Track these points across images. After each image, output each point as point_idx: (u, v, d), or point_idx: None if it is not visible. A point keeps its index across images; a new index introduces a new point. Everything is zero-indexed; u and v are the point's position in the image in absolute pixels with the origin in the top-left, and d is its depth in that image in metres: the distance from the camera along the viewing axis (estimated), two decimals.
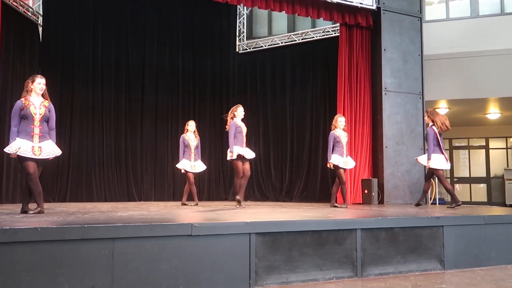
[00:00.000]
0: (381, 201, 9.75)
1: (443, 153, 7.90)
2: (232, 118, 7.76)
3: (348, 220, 4.92)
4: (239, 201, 7.52)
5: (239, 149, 7.54)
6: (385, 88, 10.11)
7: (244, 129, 7.76)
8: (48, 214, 5.34)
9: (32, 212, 5.42)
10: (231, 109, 7.88)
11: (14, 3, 9.42)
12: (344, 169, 8.13)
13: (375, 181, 9.79)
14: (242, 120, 7.85)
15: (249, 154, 7.70)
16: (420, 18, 10.63)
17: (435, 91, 11.72)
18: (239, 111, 7.80)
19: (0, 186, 8.95)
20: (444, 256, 5.09)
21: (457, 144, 16.96)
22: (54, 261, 3.46)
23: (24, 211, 5.54)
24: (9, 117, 6.00)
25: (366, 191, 9.80)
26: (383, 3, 10.27)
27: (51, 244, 3.47)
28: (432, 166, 7.85)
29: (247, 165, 7.68)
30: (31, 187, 5.48)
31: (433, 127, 7.88)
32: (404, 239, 4.93)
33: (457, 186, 16.58)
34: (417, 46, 10.49)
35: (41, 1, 10.66)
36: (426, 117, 8.16)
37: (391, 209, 7.25)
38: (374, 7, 10.17)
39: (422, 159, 8.21)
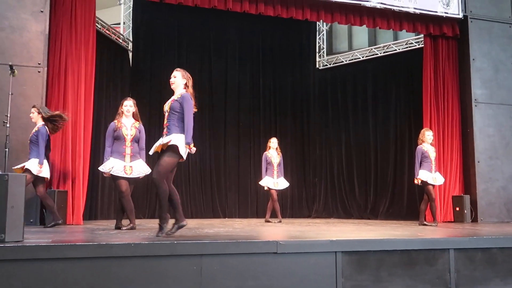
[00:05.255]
0: (474, 219, 9.19)
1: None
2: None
3: (439, 239, 4.68)
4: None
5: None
6: (475, 100, 9.58)
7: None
8: (140, 230, 5.58)
9: (125, 228, 5.71)
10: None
11: (107, 32, 10.08)
12: (433, 186, 7.79)
13: (467, 197, 9.25)
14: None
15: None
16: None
17: None
18: None
19: (96, 203, 9.49)
20: None
21: None
22: (146, 276, 3.59)
23: (118, 227, 5.84)
24: (103, 138, 6.40)
25: (457, 209, 9.27)
26: (470, 11, 9.79)
27: (143, 260, 3.60)
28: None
29: None
30: (123, 204, 5.78)
31: None
32: (503, 261, 4.59)
33: None
34: (509, 54, 9.87)
35: (130, 28, 11.33)
36: None
37: (486, 228, 6.81)
38: (460, 16, 9.73)
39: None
